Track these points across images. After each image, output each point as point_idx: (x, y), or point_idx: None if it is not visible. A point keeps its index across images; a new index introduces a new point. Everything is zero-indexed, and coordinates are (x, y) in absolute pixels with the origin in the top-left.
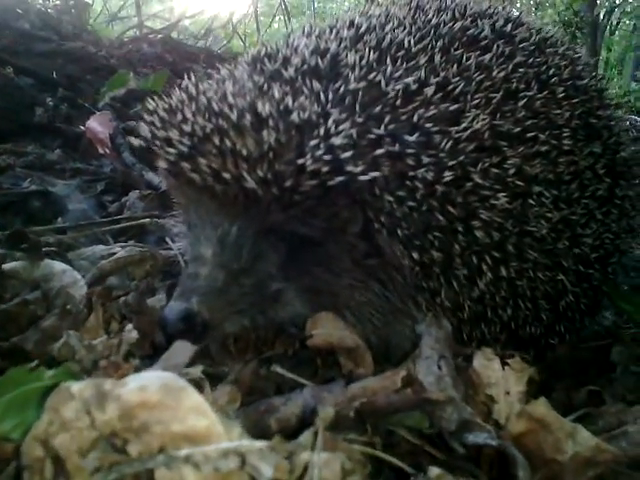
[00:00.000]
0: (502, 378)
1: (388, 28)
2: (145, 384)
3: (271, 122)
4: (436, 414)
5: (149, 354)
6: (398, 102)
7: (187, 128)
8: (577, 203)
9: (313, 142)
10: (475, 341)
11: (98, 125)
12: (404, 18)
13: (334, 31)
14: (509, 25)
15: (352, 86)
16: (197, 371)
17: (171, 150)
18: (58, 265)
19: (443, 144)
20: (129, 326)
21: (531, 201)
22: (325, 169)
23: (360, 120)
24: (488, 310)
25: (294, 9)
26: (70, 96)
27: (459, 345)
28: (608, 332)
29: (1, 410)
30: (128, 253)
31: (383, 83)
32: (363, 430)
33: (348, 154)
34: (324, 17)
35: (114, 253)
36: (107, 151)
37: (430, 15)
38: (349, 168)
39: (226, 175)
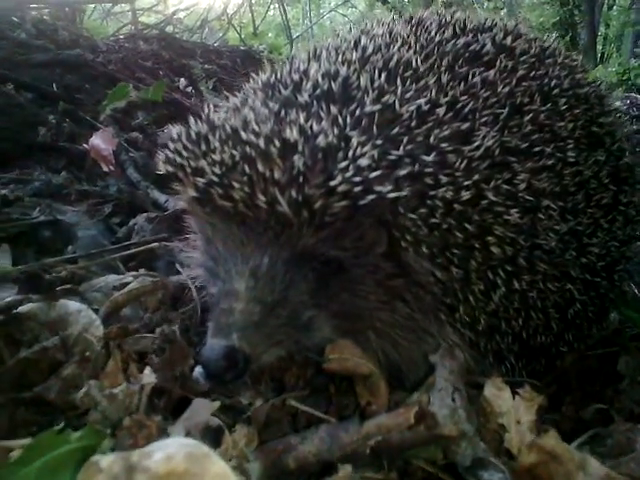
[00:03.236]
0: (512, 407)
1: (393, 48)
2: (171, 453)
3: (298, 147)
4: (451, 449)
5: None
6: (413, 123)
7: (216, 157)
8: (583, 213)
9: (342, 164)
10: (491, 353)
11: (101, 142)
12: (408, 36)
13: (340, 53)
14: (508, 38)
15: (368, 109)
16: (216, 420)
17: (201, 180)
18: (73, 305)
19: (458, 163)
20: (147, 370)
21: (540, 215)
22: (356, 189)
23: (379, 142)
24: (502, 322)
25: None
26: (71, 110)
27: (475, 361)
28: (615, 338)
29: (33, 477)
30: (140, 284)
31: (397, 105)
32: (379, 466)
33: (376, 174)
34: (320, 3)
35: (126, 283)
36: (112, 168)
37: (432, 33)
38: (378, 188)
39: (257, 200)
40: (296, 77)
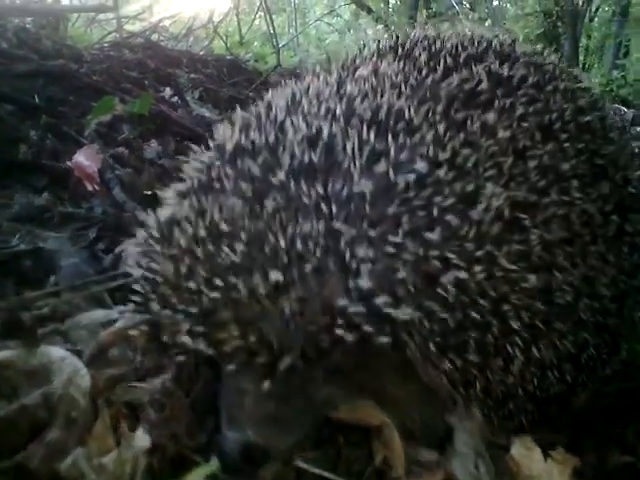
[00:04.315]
0: (545, 471)
1: (381, 94)
2: None
3: (291, 290)
4: None
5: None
6: (411, 193)
7: (192, 310)
8: (590, 254)
9: (342, 303)
10: (501, 417)
11: (85, 160)
12: (396, 76)
13: (322, 101)
14: (505, 66)
15: (356, 189)
16: None
17: (182, 335)
18: (56, 352)
19: (465, 232)
20: (139, 431)
21: (555, 271)
22: (365, 328)
23: (373, 234)
24: (518, 389)
25: (274, 5)
26: (54, 124)
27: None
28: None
29: None
30: (129, 320)
31: (391, 173)
32: None
33: (382, 299)
34: (305, 12)
35: (113, 320)
36: (96, 187)
37: (424, 70)
38: (386, 310)
39: (256, 357)
40: (271, 138)
